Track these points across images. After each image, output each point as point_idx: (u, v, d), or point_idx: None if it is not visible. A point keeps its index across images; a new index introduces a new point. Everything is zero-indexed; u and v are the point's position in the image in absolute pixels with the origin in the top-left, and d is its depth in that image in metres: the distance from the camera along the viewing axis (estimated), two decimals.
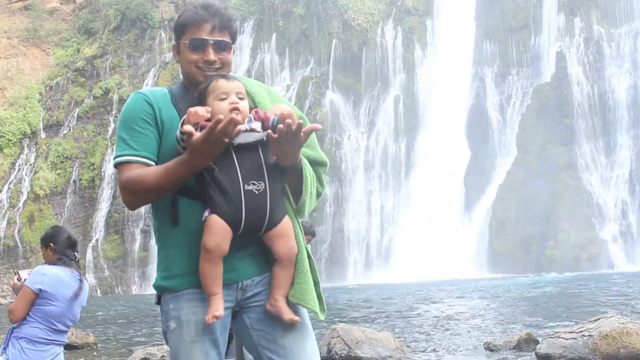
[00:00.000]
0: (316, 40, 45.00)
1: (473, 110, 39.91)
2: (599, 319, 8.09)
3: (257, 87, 2.75)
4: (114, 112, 44.75)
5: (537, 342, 8.81)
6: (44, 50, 48.48)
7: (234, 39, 2.69)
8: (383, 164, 41.52)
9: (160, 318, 2.65)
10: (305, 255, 2.65)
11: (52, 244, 4.62)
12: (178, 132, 2.44)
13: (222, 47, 2.63)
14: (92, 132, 44.59)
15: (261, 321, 2.59)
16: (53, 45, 48.55)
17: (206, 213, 2.48)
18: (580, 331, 7.86)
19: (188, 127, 2.34)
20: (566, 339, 7.85)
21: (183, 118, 2.44)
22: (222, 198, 2.45)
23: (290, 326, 2.59)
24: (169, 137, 2.55)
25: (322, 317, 2.66)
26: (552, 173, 35.27)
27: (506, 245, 34.94)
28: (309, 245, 7.08)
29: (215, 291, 2.48)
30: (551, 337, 8.18)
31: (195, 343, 2.52)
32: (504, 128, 39.47)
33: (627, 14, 38.29)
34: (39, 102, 46.08)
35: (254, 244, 2.59)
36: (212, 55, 2.60)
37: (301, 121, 2.45)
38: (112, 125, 44.47)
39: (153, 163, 2.54)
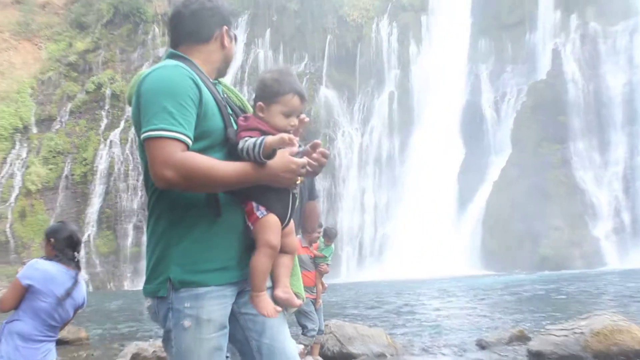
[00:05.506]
0: (311, 35, 44.99)
1: (467, 107, 39.97)
2: (590, 316, 8.17)
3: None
4: (106, 107, 44.68)
5: (529, 339, 8.87)
6: (36, 44, 48.34)
7: None
8: (377, 160, 41.56)
9: (169, 314, 2.52)
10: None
11: (52, 240, 4.60)
12: (257, 150, 2.47)
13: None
14: (85, 127, 44.49)
15: (247, 305, 2.63)
16: (45, 39, 48.41)
17: (264, 211, 2.59)
18: (572, 328, 7.93)
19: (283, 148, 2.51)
20: (557, 336, 7.92)
21: (265, 138, 2.49)
22: (278, 199, 2.61)
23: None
24: (205, 119, 2.52)
25: None
26: (546, 170, 35.35)
27: (500, 243, 35.02)
28: (332, 246, 7.54)
29: (265, 287, 2.61)
30: (543, 334, 8.25)
31: (213, 340, 2.51)
32: (499, 125, 39.53)
33: (623, 10, 38.32)
34: (30, 96, 45.95)
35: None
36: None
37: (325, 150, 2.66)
38: (105, 120, 44.38)
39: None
